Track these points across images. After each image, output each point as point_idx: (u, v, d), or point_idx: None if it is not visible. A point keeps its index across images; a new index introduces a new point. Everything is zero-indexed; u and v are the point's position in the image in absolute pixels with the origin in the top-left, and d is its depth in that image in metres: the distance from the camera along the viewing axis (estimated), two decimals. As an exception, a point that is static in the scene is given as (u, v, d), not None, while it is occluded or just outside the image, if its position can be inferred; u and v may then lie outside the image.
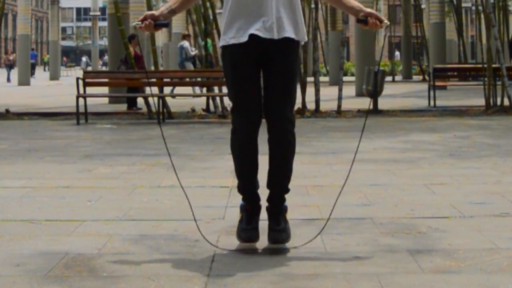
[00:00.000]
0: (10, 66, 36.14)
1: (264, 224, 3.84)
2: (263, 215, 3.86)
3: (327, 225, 4.27)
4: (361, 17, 3.73)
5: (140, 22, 3.68)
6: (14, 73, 34.16)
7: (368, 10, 3.74)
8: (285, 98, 3.68)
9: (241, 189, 3.86)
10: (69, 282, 3.22)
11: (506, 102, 13.17)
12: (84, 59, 62.17)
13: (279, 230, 3.72)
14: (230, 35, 3.68)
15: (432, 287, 3.11)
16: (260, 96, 3.72)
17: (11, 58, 37.43)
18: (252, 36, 3.62)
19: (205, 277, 3.27)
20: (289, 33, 3.67)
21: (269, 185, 3.82)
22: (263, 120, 3.72)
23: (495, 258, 3.52)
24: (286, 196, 3.88)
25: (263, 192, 3.87)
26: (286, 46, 3.68)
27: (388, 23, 3.78)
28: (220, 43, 3.78)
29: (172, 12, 3.76)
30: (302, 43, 3.81)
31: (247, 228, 3.74)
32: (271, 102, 3.67)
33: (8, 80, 33.75)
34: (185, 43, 20.21)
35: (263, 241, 3.77)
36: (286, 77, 3.69)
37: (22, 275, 3.33)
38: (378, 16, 3.72)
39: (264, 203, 3.86)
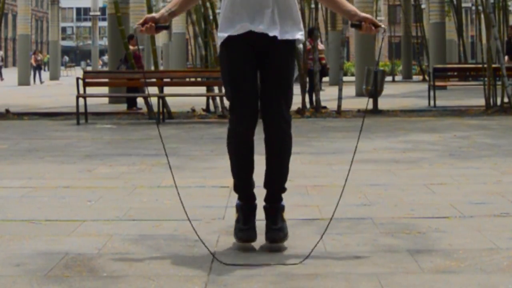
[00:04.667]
0: (38, 67, 34.03)
1: (261, 224, 3.84)
2: (261, 215, 3.86)
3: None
4: (355, 21, 3.73)
5: (140, 25, 3.70)
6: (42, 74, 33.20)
7: (363, 15, 3.73)
8: (281, 98, 3.69)
9: (237, 188, 3.88)
10: (69, 282, 3.22)
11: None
12: (66, 58, 61.94)
13: (277, 229, 3.74)
14: (226, 32, 3.71)
15: (432, 287, 3.11)
16: (257, 95, 3.73)
17: (39, 58, 35.07)
18: (246, 30, 3.65)
19: (205, 277, 3.27)
20: (285, 34, 3.69)
21: (265, 185, 3.84)
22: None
23: (495, 258, 3.52)
24: (285, 195, 3.90)
25: (260, 193, 3.88)
26: (281, 46, 3.70)
27: (385, 27, 3.77)
28: (218, 42, 3.79)
29: (172, 14, 3.77)
30: (300, 44, 3.82)
31: (244, 228, 3.75)
32: (267, 102, 3.69)
33: (40, 81, 32.28)
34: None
35: (261, 240, 3.77)
36: (281, 78, 3.70)
37: (22, 275, 3.33)
38: (373, 20, 3.71)
39: (260, 202, 3.87)
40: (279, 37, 3.67)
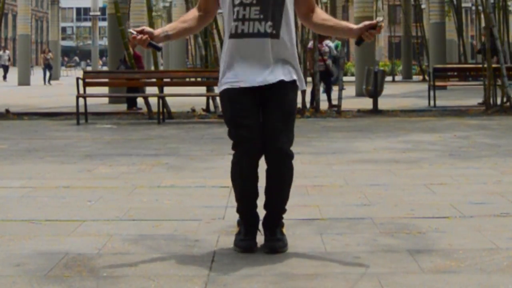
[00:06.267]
0: (48, 66, 33.32)
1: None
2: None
3: (327, 225, 4.27)
4: (357, 39, 3.72)
5: (135, 32, 3.64)
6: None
7: (357, 26, 3.73)
8: (283, 134, 3.66)
9: (240, 210, 3.87)
10: (69, 282, 3.22)
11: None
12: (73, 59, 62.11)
13: (276, 239, 3.72)
14: (227, 80, 3.70)
15: (432, 287, 3.11)
16: (260, 131, 3.69)
17: (48, 57, 34.15)
18: (247, 86, 3.64)
19: (205, 277, 3.27)
20: (286, 76, 3.68)
21: (266, 207, 3.83)
22: None
23: (495, 258, 3.52)
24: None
25: (261, 195, 3.87)
26: (283, 87, 3.68)
27: (381, 18, 3.78)
28: (219, 88, 3.78)
29: (167, 37, 3.74)
30: (301, 89, 3.82)
31: (245, 239, 3.75)
32: (269, 137, 3.66)
33: (48, 81, 31.78)
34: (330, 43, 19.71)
35: (261, 241, 3.76)
36: (284, 114, 3.68)
37: (22, 275, 3.33)
38: (368, 25, 3.70)
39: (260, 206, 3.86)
40: (275, 81, 3.65)
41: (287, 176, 3.74)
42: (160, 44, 3.74)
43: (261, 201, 3.86)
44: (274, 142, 3.64)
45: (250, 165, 3.69)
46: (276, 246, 3.68)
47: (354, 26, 3.75)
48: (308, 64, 14.27)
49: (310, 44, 14.68)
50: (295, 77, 3.71)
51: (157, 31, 3.71)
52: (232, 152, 3.74)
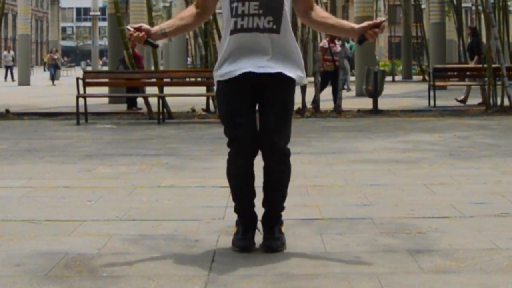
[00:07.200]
0: (55, 66, 33.40)
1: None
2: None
3: (327, 225, 4.28)
4: (359, 38, 3.72)
5: (132, 29, 3.64)
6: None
7: (361, 25, 3.73)
8: (280, 131, 3.66)
9: (237, 210, 3.87)
10: (69, 282, 3.22)
11: (506, 102, 13.17)
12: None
13: (273, 239, 3.72)
14: (224, 71, 3.68)
15: (432, 287, 3.11)
16: (256, 128, 3.69)
17: (55, 57, 34.16)
18: (245, 72, 3.62)
19: (205, 277, 3.27)
20: (284, 71, 3.66)
21: (264, 206, 3.82)
22: None
23: (495, 258, 3.52)
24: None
25: (259, 194, 3.87)
26: (281, 80, 3.66)
27: (384, 19, 3.79)
28: (215, 78, 3.77)
29: (164, 35, 3.74)
30: (301, 84, 3.80)
31: (243, 238, 3.74)
32: (265, 135, 3.65)
33: (53, 81, 31.67)
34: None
35: (260, 240, 3.76)
36: (280, 111, 3.67)
37: (22, 275, 3.33)
38: (372, 24, 3.70)
39: (259, 207, 3.86)
40: (279, 72, 3.63)
41: (284, 174, 3.74)
42: (157, 42, 3.74)
43: (259, 200, 3.86)
44: (271, 140, 3.64)
45: (245, 164, 3.69)
46: (273, 245, 3.68)
47: (356, 25, 3.76)
48: (319, 64, 14.25)
49: (323, 42, 14.75)
50: (293, 74, 3.69)
51: (155, 29, 3.71)
52: (228, 150, 3.73)
